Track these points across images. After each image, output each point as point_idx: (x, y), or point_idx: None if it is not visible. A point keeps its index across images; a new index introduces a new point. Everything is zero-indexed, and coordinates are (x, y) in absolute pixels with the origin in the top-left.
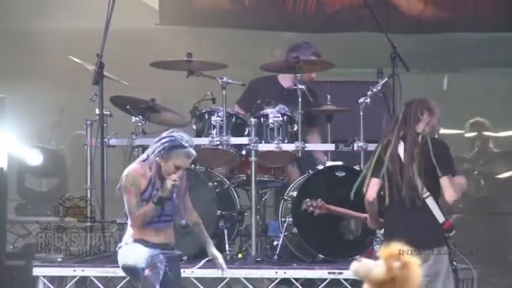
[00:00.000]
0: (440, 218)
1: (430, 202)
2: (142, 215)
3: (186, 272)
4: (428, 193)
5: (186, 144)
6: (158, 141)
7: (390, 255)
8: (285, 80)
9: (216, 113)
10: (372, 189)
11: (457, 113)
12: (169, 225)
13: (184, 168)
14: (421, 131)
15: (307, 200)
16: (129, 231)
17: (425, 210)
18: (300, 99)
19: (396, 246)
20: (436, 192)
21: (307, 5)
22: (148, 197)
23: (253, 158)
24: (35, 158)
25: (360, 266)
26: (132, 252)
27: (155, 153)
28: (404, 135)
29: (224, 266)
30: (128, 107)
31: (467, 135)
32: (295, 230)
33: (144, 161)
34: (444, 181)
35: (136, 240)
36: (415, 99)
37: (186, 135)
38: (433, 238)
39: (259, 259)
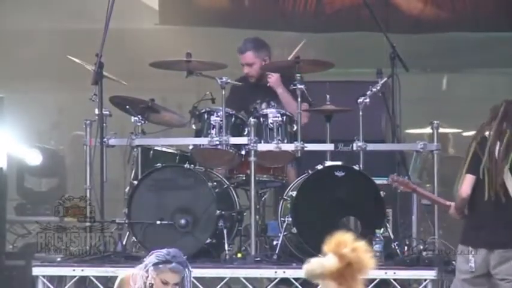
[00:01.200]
0: None
1: None
2: None
3: None
4: None
5: (172, 260)
6: (148, 257)
7: (336, 244)
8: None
9: (215, 113)
10: (467, 185)
11: (457, 113)
12: None
13: (173, 284)
14: None
15: (394, 174)
16: None
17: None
18: (299, 99)
19: (339, 236)
20: None
21: (307, 4)
22: None
23: (252, 158)
24: (34, 158)
25: (311, 265)
26: None
27: (144, 269)
28: (502, 133)
29: None
30: (127, 107)
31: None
32: (294, 229)
33: (139, 269)
34: None
35: None
36: None
37: (175, 250)
38: None
39: (258, 259)
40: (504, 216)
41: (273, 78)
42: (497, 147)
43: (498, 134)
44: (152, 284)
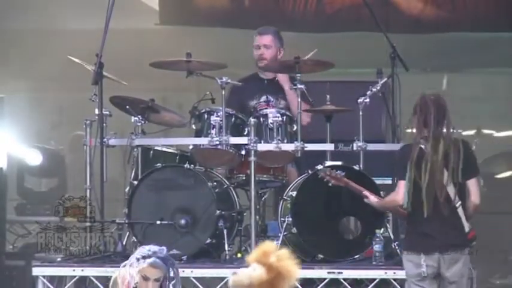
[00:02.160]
0: (466, 226)
1: (460, 209)
2: None
3: (185, 272)
4: (460, 202)
5: (152, 255)
6: (135, 254)
7: (261, 255)
8: (265, 73)
9: (215, 113)
10: (403, 192)
11: (457, 113)
12: None
13: (154, 280)
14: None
15: (327, 169)
16: None
17: (454, 215)
18: (299, 99)
19: (261, 246)
20: (462, 196)
21: (307, 4)
22: None
23: (252, 158)
24: (34, 158)
25: (238, 277)
26: None
27: (128, 266)
28: (439, 138)
29: None
30: (127, 107)
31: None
32: (294, 229)
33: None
34: (473, 182)
35: None
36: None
37: (158, 247)
38: (462, 240)
39: None
40: (450, 219)
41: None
42: (432, 157)
43: (436, 140)
44: (137, 283)
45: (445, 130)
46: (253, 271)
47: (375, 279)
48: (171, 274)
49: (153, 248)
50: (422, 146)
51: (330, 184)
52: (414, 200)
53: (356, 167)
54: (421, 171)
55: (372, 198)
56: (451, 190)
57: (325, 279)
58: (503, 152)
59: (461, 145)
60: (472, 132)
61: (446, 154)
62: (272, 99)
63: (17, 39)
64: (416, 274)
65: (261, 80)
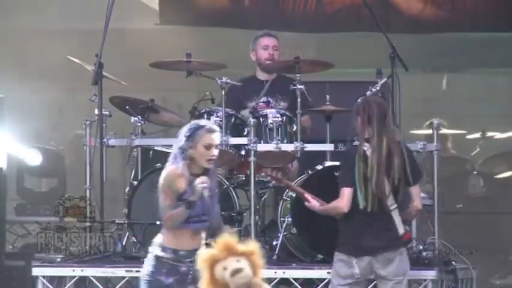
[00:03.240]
0: (400, 228)
1: (394, 212)
2: (172, 217)
3: None
4: (395, 205)
5: (205, 124)
6: (179, 136)
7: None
8: (264, 75)
9: (215, 113)
10: (347, 199)
11: (457, 113)
12: (205, 227)
13: (215, 146)
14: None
15: (268, 169)
16: (162, 235)
17: (388, 218)
18: (299, 99)
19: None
20: (403, 199)
21: (307, 4)
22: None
23: (252, 158)
24: (34, 158)
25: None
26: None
27: (182, 146)
28: (380, 141)
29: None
30: (127, 107)
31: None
32: (294, 230)
33: (174, 160)
34: (417, 187)
35: (164, 249)
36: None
37: (204, 120)
38: (394, 243)
39: None
40: (383, 221)
41: None
42: (375, 156)
43: (380, 138)
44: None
45: (386, 132)
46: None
47: (374, 279)
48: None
49: (202, 120)
50: (365, 148)
51: (271, 185)
52: (365, 199)
53: None
54: (366, 170)
55: (314, 203)
56: (388, 193)
57: (324, 279)
58: (503, 152)
59: (404, 149)
60: (472, 132)
61: (389, 158)
62: (272, 101)
63: (17, 39)
64: (348, 275)
65: (260, 82)
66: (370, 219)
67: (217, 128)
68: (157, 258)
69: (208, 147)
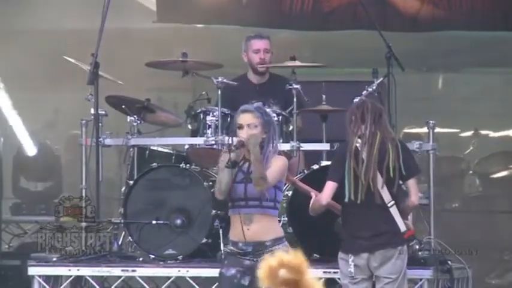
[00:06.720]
0: (401, 225)
1: (393, 208)
2: (218, 180)
3: (181, 272)
4: (392, 201)
5: (244, 107)
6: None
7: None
8: (256, 77)
9: (211, 113)
10: (328, 192)
11: (453, 112)
12: (258, 212)
13: (250, 124)
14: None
15: None
16: None
17: (386, 215)
18: (295, 99)
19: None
20: (399, 196)
21: (304, 2)
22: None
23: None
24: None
25: None
26: None
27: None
28: (373, 138)
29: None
30: (123, 106)
31: (464, 134)
32: (290, 229)
33: None
34: (413, 183)
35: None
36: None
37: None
38: (394, 241)
39: None
40: (380, 219)
41: None
42: (366, 149)
43: (373, 136)
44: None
45: (381, 129)
46: None
47: None
48: (265, 119)
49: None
50: (358, 145)
51: None
52: (354, 192)
53: None
54: (357, 165)
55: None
56: (384, 189)
57: (320, 278)
58: (500, 151)
59: (400, 145)
60: (468, 132)
61: (382, 151)
62: (265, 104)
63: (13, 39)
64: (348, 272)
65: (253, 85)
66: (368, 216)
67: (252, 110)
68: None
69: (240, 127)
